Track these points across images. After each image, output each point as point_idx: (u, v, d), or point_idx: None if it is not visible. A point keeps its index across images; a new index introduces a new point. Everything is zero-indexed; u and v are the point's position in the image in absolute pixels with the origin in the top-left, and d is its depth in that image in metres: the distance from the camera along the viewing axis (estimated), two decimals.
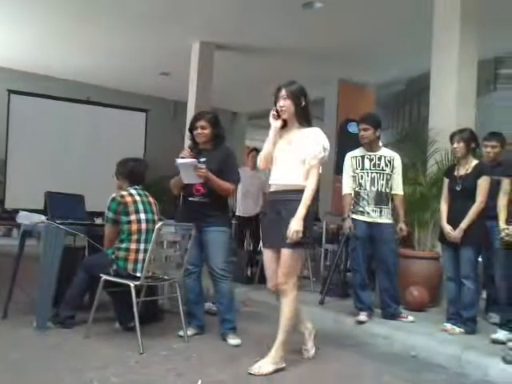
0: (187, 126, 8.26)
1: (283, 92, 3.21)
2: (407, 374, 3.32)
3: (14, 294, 4.11)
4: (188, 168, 3.64)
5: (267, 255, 3.32)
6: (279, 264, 3.21)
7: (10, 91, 8.56)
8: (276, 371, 3.13)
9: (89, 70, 9.92)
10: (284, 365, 3.20)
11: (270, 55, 8.50)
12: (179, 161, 3.70)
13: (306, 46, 8.04)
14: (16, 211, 4.66)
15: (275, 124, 3.26)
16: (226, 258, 3.87)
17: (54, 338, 3.58)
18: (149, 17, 7.26)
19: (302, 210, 3.10)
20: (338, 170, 4.95)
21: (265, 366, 3.13)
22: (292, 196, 3.16)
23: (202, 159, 3.75)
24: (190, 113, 8.16)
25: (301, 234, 3.07)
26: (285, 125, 3.29)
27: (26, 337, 3.58)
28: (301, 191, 3.15)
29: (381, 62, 8.52)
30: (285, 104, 3.20)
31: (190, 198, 3.83)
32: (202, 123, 3.84)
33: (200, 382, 2.89)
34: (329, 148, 3.27)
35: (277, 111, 3.24)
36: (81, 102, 9.27)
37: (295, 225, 3.07)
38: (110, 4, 6.91)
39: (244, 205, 6.55)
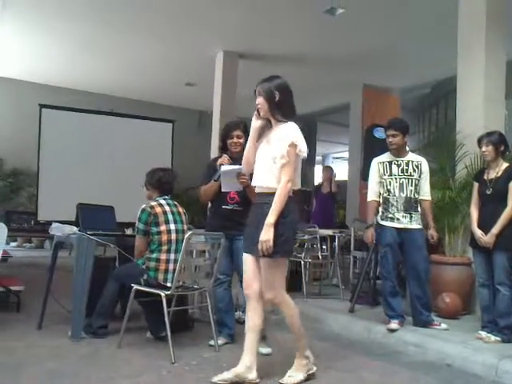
0: (213, 136, 8.37)
1: (257, 90, 3.12)
2: None
3: (49, 304, 4.19)
4: (231, 175, 3.62)
5: (244, 258, 3.17)
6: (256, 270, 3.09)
7: (41, 105, 8.76)
8: (308, 378, 3.12)
9: (116, 83, 10.11)
10: (314, 369, 3.18)
11: (293, 63, 8.52)
12: (224, 168, 3.66)
13: (330, 53, 8.04)
14: (48, 223, 4.76)
15: (253, 124, 3.17)
16: None
17: (88, 348, 3.63)
18: (173, 27, 7.36)
19: (269, 217, 2.90)
20: (365, 176, 4.91)
21: (294, 375, 3.11)
22: (266, 199, 2.98)
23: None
24: (216, 122, 8.23)
25: (271, 243, 2.87)
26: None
27: (61, 346, 3.64)
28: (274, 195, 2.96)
29: (405, 65, 8.46)
30: (258, 101, 3.09)
31: (223, 206, 3.84)
32: (238, 132, 3.86)
33: None
34: (300, 143, 2.98)
35: (257, 110, 3.14)
36: (108, 114, 9.43)
37: (263, 234, 2.89)
38: (135, 16, 7.03)
39: None
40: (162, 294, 3.48)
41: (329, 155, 18.26)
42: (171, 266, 3.70)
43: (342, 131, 12.09)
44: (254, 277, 3.09)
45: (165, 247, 3.74)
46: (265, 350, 3.71)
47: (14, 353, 3.46)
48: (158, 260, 3.73)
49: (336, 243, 6.41)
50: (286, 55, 8.25)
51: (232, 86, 8.34)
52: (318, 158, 16.67)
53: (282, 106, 3.06)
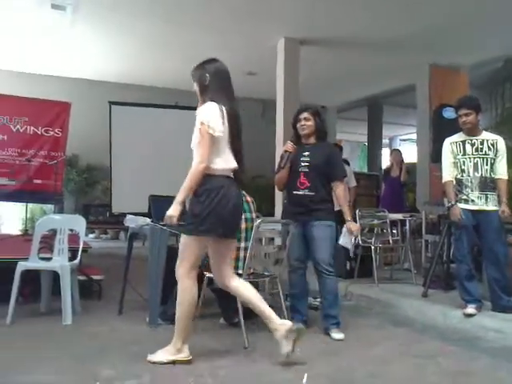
0: (277, 124, 8.36)
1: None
2: None
3: (127, 292, 4.39)
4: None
5: None
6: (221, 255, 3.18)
7: (111, 102, 9.10)
8: (172, 362, 3.06)
9: (180, 76, 10.22)
10: (184, 356, 3.09)
11: (356, 47, 8.34)
12: None
13: (392, 34, 7.80)
14: (122, 215, 4.95)
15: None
16: (332, 253, 3.84)
17: (165, 334, 3.72)
18: (234, 18, 7.40)
19: (178, 195, 3.00)
20: (435, 158, 4.75)
21: (159, 354, 3.09)
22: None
23: (306, 153, 3.83)
24: (279, 111, 8.21)
25: (174, 220, 2.96)
26: None
27: (140, 332, 3.82)
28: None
29: (474, 41, 8.06)
30: (194, 88, 3.16)
31: (294, 192, 3.87)
32: (305, 115, 3.89)
33: (306, 375, 2.92)
34: (210, 121, 2.96)
35: None
36: (174, 107, 9.66)
37: (169, 209, 3.00)
38: (198, 11, 7.12)
39: None
40: None
41: (396, 137, 17.79)
42: (242, 254, 3.77)
43: (409, 112, 11.74)
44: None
45: None
46: (338, 335, 3.71)
47: (99, 336, 3.66)
48: None
49: (407, 227, 6.28)
50: (349, 39, 8.08)
51: (294, 73, 8.27)
52: (385, 141, 16.28)
53: (211, 90, 3.07)
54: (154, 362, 3.07)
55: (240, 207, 3.17)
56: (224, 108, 3.03)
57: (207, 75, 3.10)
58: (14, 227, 9.07)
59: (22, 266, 4.03)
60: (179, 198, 2.99)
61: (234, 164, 3.10)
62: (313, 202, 3.78)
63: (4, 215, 9.97)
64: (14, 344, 3.46)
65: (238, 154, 3.13)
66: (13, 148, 7.72)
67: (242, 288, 3.20)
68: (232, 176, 3.11)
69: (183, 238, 3.10)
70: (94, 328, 3.89)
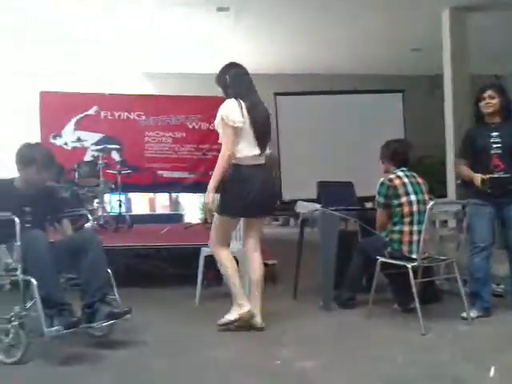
0: (446, 101, 7.88)
1: None
2: None
3: (300, 277, 4.53)
4: None
5: None
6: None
7: (276, 93, 9.43)
8: (239, 318, 3.44)
9: (337, 61, 10.16)
10: (246, 309, 3.43)
11: None
12: None
13: None
14: (293, 202, 5.12)
15: None
16: None
17: (339, 317, 3.85)
18: None
19: (210, 183, 3.40)
20: None
21: (227, 316, 3.50)
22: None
23: (495, 133, 3.66)
24: (448, 87, 7.70)
25: (209, 206, 3.45)
26: None
27: (314, 315, 3.93)
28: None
29: None
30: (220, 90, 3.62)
31: (487, 175, 3.68)
32: (489, 93, 3.72)
33: (493, 369, 2.70)
34: (228, 114, 3.38)
35: None
36: (336, 92, 9.64)
37: (205, 197, 3.47)
38: None
39: None
40: (409, 266, 3.46)
41: None
42: (415, 238, 3.65)
43: None
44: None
45: (407, 219, 3.70)
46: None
47: (275, 318, 3.76)
48: (401, 232, 3.71)
49: None
50: None
51: (462, 44, 7.65)
52: None
53: (231, 89, 3.54)
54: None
55: (266, 191, 3.52)
56: (243, 102, 3.44)
57: (227, 77, 3.58)
58: (194, 216, 9.90)
59: (204, 252, 4.39)
60: (210, 185, 3.41)
61: (257, 151, 3.47)
62: (509, 183, 3.62)
63: (186, 205, 10.96)
64: (203, 323, 3.74)
65: (260, 139, 3.50)
66: (190, 144, 8.43)
67: (252, 261, 3.58)
68: (260, 162, 3.51)
69: (215, 217, 3.57)
70: (270, 310, 4.09)
